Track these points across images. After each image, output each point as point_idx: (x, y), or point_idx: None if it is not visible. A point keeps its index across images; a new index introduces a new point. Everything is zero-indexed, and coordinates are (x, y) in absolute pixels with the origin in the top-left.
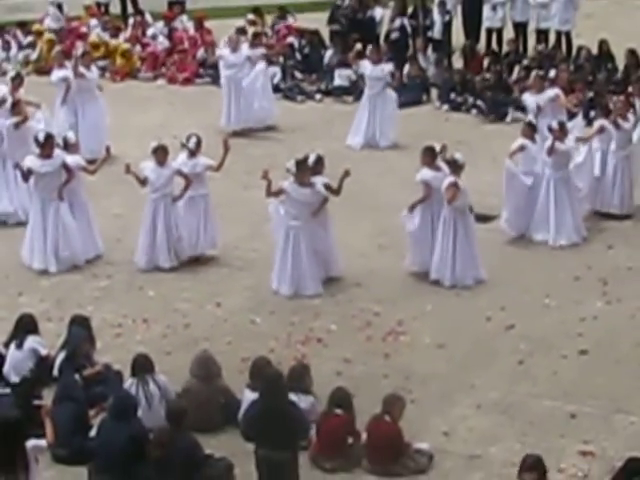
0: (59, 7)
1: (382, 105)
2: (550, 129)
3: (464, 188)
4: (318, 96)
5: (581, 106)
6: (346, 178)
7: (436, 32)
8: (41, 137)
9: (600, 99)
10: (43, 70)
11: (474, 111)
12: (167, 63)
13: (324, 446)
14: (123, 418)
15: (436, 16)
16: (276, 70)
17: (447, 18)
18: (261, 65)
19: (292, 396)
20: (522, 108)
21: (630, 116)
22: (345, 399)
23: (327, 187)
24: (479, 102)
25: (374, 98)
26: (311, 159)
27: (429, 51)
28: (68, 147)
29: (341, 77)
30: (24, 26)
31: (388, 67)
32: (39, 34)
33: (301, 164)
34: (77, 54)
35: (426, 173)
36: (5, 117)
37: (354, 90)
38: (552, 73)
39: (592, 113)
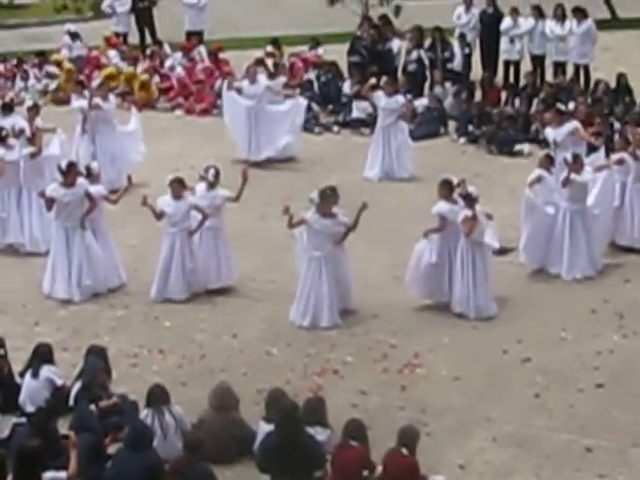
0: (74, 35)
1: (395, 136)
2: (565, 161)
3: (481, 220)
4: (336, 128)
5: (602, 139)
6: (363, 211)
7: (456, 64)
8: (64, 165)
9: (606, 128)
10: (61, 100)
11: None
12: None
13: (339, 478)
14: (138, 449)
15: (456, 49)
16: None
17: (467, 51)
18: (299, 100)
19: (308, 429)
20: (538, 141)
21: None
22: (360, 431)
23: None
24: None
25: (387, 129)
26: (328, 192)
27: (447, 83)
28: (91, 176)
29: (359, 109)
30: (42, 56)
31: (400, 99)
32: (58, 64)
33: (324, 195)
34: (93, 86)
35: (442, 206)
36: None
37: (371, 122)
38: (571, 106)
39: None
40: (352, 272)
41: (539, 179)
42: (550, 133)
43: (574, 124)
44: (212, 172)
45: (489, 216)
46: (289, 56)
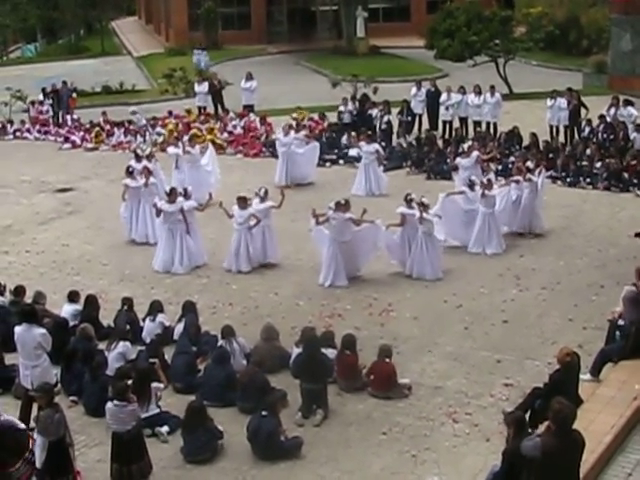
0: (136, 112)
1: (372, 169)
2: (482, 183)
3: (431, 218)
4: (340, 162)
5: (496, 165)
6: (364, 214)
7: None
8: (168, 190)
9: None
10: (165, 149)
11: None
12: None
13: (342, 375)
14: (221, 363)
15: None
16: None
17: (409, 118)
18: (315, 144)
19: (323, 350)
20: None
21: (536, 172)
22: (351, 342)
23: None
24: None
25: (367, 165)
26: (342, 201)
27: (407, 135)
28: (187, 196)
29: (352, 152)
30: (153, 120)
31: (375, 146)
32: (164, 126)
33: (338, 203)
34: (185, 139)
35: (403, 209)
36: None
37: (361, 160)
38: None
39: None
40: (360, 251)
41: (461, 192)
42: (461, 161)
43: (477, 154)
44: (263, 190)
45: (439, 216)
46: (308, 120)
